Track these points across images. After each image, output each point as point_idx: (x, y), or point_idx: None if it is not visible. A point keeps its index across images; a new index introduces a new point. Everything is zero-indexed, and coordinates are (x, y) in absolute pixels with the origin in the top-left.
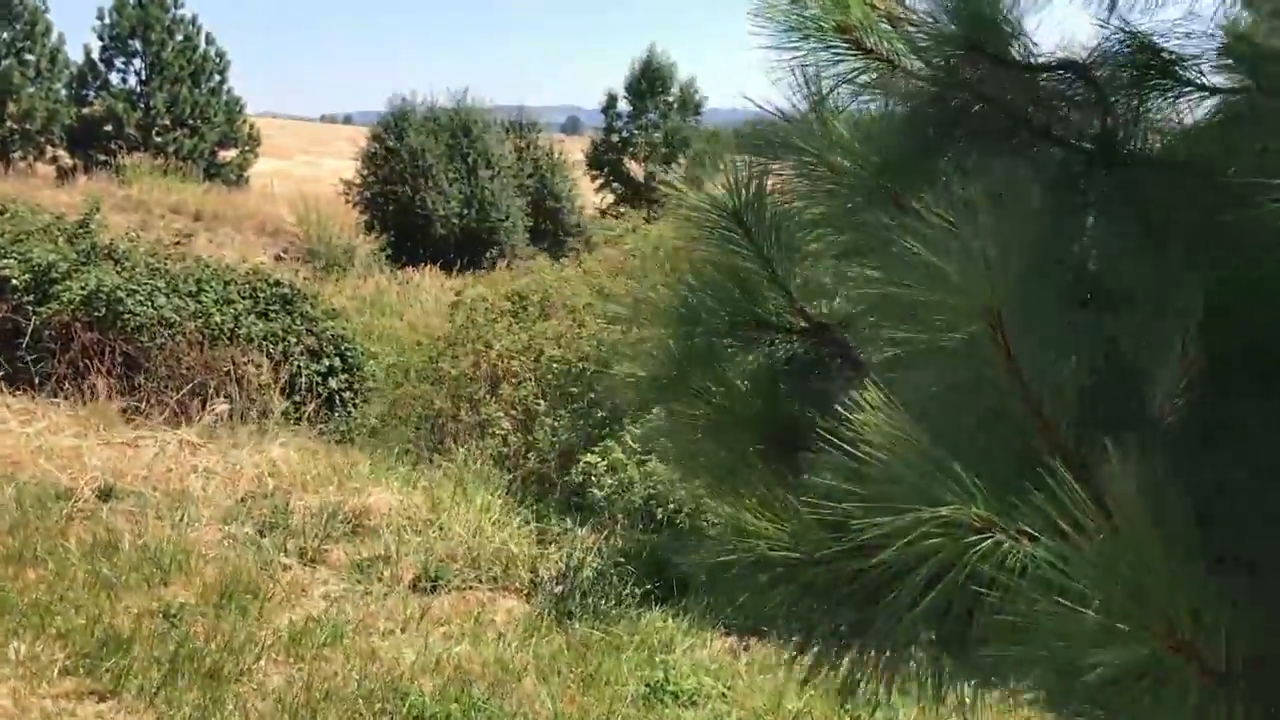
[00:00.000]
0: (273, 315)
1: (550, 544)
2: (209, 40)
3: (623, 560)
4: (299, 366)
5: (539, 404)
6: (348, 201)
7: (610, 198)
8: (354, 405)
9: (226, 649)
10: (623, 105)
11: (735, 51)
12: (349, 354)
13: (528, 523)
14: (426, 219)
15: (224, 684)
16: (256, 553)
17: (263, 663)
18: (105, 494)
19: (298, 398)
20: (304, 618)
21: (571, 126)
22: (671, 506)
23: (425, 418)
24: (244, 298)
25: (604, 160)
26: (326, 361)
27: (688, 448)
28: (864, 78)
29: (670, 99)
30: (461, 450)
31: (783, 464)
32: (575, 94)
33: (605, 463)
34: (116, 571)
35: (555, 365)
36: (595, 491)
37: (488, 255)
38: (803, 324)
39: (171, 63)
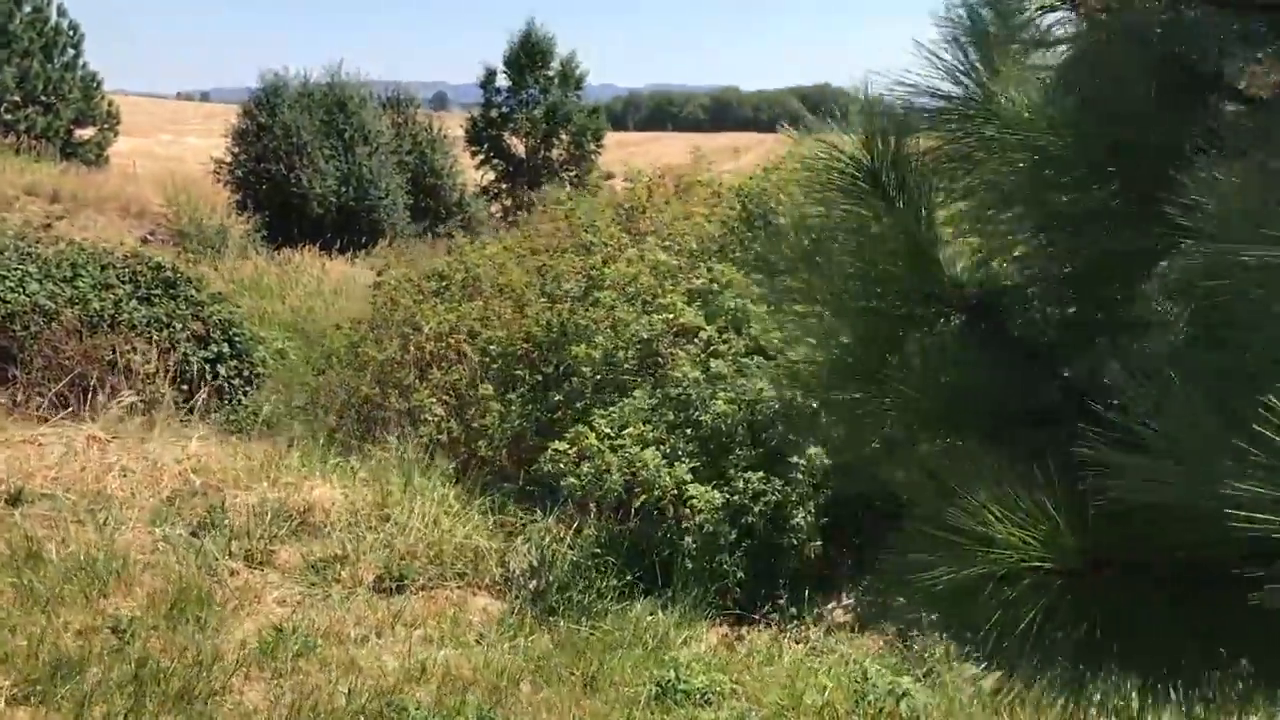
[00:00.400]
0: (156, 300)
1: (514, 536)
2: (61, 12)
3: (599, 551)
4: (186, 354)
5: (483, 388)
6: (218, 181)
7: (491, 174)
8: (244, 393)
9: (194, 665)
10: (502, 80)
11: (613, 30)
12: (237, 339)
13: (485, 514)
14: (303, 198)
15: (198, 704)
16: (198, 557)
17: (236, 679)
18: (14, 498)
19: (186, 386)
20: (264, 626)
21: (439, 102)
22: (655, 493)
23: (349, 405)
24: (124, 282)
25: (484, 136)
26: (214, 348)
27: (869, 437)
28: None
29: (550, 74)
30: (393, 440)
31: (1012, 456)
32: (442, 70)
33: (575, 449)
34: (48, 584)
35: (493, 348)
36: (573, 480)
37: (368, 235)
38: (963, 298)
39: (20, 35)
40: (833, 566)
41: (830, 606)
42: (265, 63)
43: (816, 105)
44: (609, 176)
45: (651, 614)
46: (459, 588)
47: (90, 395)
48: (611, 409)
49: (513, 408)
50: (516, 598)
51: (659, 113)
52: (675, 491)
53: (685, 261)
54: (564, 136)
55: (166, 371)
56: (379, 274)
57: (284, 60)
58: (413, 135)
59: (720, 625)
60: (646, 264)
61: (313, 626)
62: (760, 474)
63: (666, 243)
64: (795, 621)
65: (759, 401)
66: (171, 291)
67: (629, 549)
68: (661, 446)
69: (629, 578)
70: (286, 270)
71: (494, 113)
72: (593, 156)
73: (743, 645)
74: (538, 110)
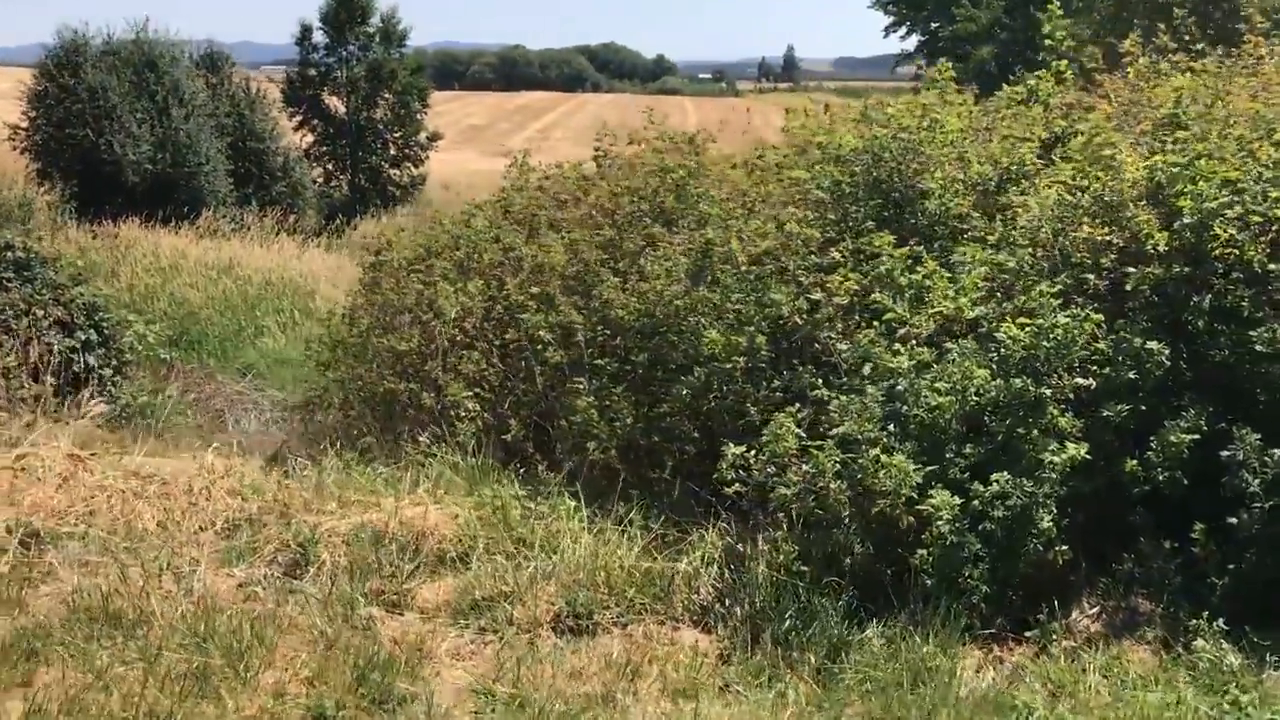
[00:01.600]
0: (8, 284)
1: (680, 555)
2: None
3: (803, 568)
4: (50, 344)
5: (572, 384)
6: (15, 149)
7: (310, 137)
8: (113, 383)
9: None
10: (319, 37)
11: None
12: (104, 324)
13: (624, 529)
14: (115, 165)
15: None
16: (322, 607)
17: None
18: (32, 537)
19: (53, 380)
20: (470, 689)
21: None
22: (886, 503)
23: (367, 404)
24: None
25: (301, 97)
26: (81, 335)
27: None
28: None
29: (371, 30)
30: (425, 441)
31: None
32: (250, 28)
33: (765, 453)
34: (174, 659)
35: (576, 337)
36: (784, 491)
37: (189, 204)
38: None
39: None
40: (1068, 571)
41: (1075, 615)
42: (52, 18)
43: (605, 64)
44: (435, 137)
45: (897, 640)
46: (655, 622)
47: None
48: (796, 406)
49: (619, 404)
50: (726, 629)
51: (445, 71)
52: (906, 498)
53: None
54: (388, 96)
55: (26, 364)
56: (377, 253)
57: (70, 14)
58: (230, 96)
59: (976, 648)
60: (783, 234)
61: (533, 690)
62: (1003, 475)
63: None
64: (1056, 636)
65: (981, 392)
66: (25, 274)
67: (851, 566)
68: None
69: (843, 599)
70: (114, 246)
71: (311, 71)
72: (418, 117)
73: (1032, 671)
74: (358, 69)
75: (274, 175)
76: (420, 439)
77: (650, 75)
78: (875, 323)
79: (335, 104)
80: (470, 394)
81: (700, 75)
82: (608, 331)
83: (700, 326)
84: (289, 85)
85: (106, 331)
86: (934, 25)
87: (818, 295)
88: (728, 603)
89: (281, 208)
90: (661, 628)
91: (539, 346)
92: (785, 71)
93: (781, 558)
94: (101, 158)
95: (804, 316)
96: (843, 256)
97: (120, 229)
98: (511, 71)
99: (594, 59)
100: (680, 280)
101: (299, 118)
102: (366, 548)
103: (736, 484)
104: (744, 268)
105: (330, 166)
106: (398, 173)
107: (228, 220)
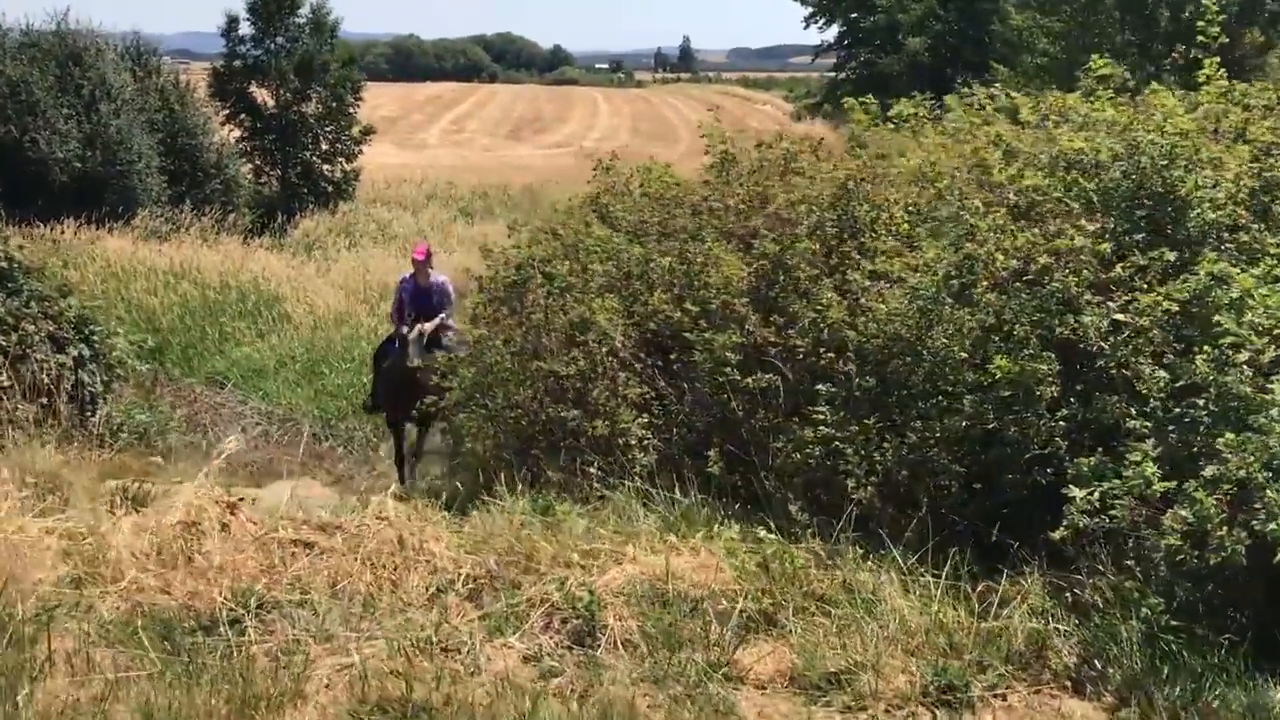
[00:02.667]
0: None
1: (992, 607)
2: None
3: (1178, 622)
4: (42, 361)
5: (817, 414)
6: None
7: (236, 132)
8: (104, 400)
9: None
10: (246, 28)
11: None
12: (95, 338)
13: (919, 578)
14: (41, 164)
15: None
16: (654, 685)
17: None
18: (242, 606)
19: (45, 400)
20: None
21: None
22: None
23: (518, 432)
24: None
25: (228, 90)
26: (73, 350)
27: None
28: None
29: (300, 21)
30: (606, 477)
31: None
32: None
33: (1136, 492)
34: None
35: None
36: (1171, 540)
37: (123, 204)
38: None
39: None
40: None
41: None
42: None
43: (502, 54)
44: (369, 131)
45: None
46: (1029, 690)
47: None
48: (1150, 441)
49: (869, 435)
50: (1107, 697)
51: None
52: None
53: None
54: (320, 89)
55: (20, 384)
56: (518, 267)
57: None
58: (159, 90)
59: None
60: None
61: None
62: None
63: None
64: None
65: None
66: (9, 285)
67: (1245, 623)
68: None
69: (1235, 659)
70: (53, 250)
71: (238, 63)
72: (350, 110)
73: None
74: (286, 61)
75: (207, 173)
76: (591, 470)
77: (547, 66)
78: (1206, 347)
79: (264, 97)
80: (644, 421)
81: (597, 65)
82: (830, 354)
83: (952, 350)
84: (215, 78)
85: (97, 346)
86: (853, 16)
87: (1122, 316)
88: (1098, 664)
89: (217, 206)
90: (1037, 696)
91: (725, 368)
92: (682, 62)
93: (1146, 611)
94: (26, 156)
95: (1107, 340)
96: (1128, 272)
97: (56, 232)
98: (407, 62)
99: (490, 49)
100: (925, 297)
101: (225, 112)
102: (650, 607)
103: (1069, 527)
104: (1012, 284)
105: (259, 162)
106: (330, 168)
107: (163, 221)
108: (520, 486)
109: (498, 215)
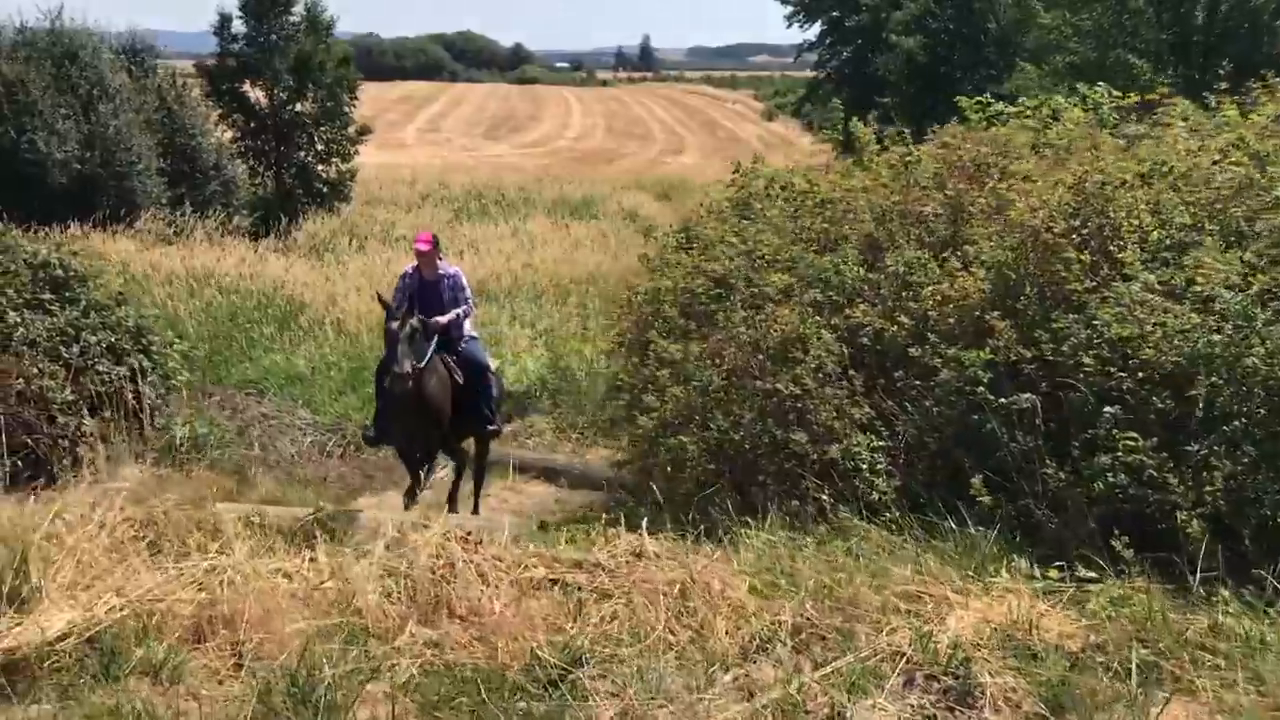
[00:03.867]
0: (51, 306)
1: None
2: None
3: None
4: (103, 373)
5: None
6: None
7: (229, 132)
8: (160, 412)
9: None
10: (239, 26)
11: None
12: (154, 349)
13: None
14: (39, 166)
15: None
16: None
17: None
18: (553, 667)
19: (108, 414)
20: None
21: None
22: None
23: (727, 457)
24: None
25: (222, 90)
26: (132, 361)
27: None
28: None
29: (295, 19)
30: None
31: None
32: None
33: None
34: None
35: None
36: None
37: (125, 206)
38: None
39: None
40: None
41: None
42: None
43: (462, 53)
44: (365, 131)
45: None
46: None
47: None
48: None
49: (1201, 464)
50: None
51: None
52: None
53: None
54: (316, 89)
55: (83, 399)
56: (718, 281)
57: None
58: (156, 89)
59: None
60: None
61: None
62: None
63: None
64: None
65: None
66: (66, 294)
67: None
68: None
69: None
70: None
71: (231, 62)
72: (347, 110)
73: None
74: (279, 61)
75: (206, 174)
76: (820, 498)
77: (508, 64)
78: None
79: (258, 96)
80: (881, 445)
81: (558, 64)
82: (1122, 373)
83: (1275, 370)
84: (208, 77)
85: (155, 356)
86: (835, 15)
87: None
88: None
89: (220, 209)
90: None
91: (976, 387)
92: (642, 61)
93: None
94: (24, 157)
95: None
96: None
97: (61, 235)
98: (366, 60)
99: (450, 48)
100: (1236, 314)
101: (218, 112)
102: (1022, 662)
103: None
104: None
105: (253, 163)
106: (325, 169)
107: (167, 223)
108: (734, 516)
109: (493, 216)
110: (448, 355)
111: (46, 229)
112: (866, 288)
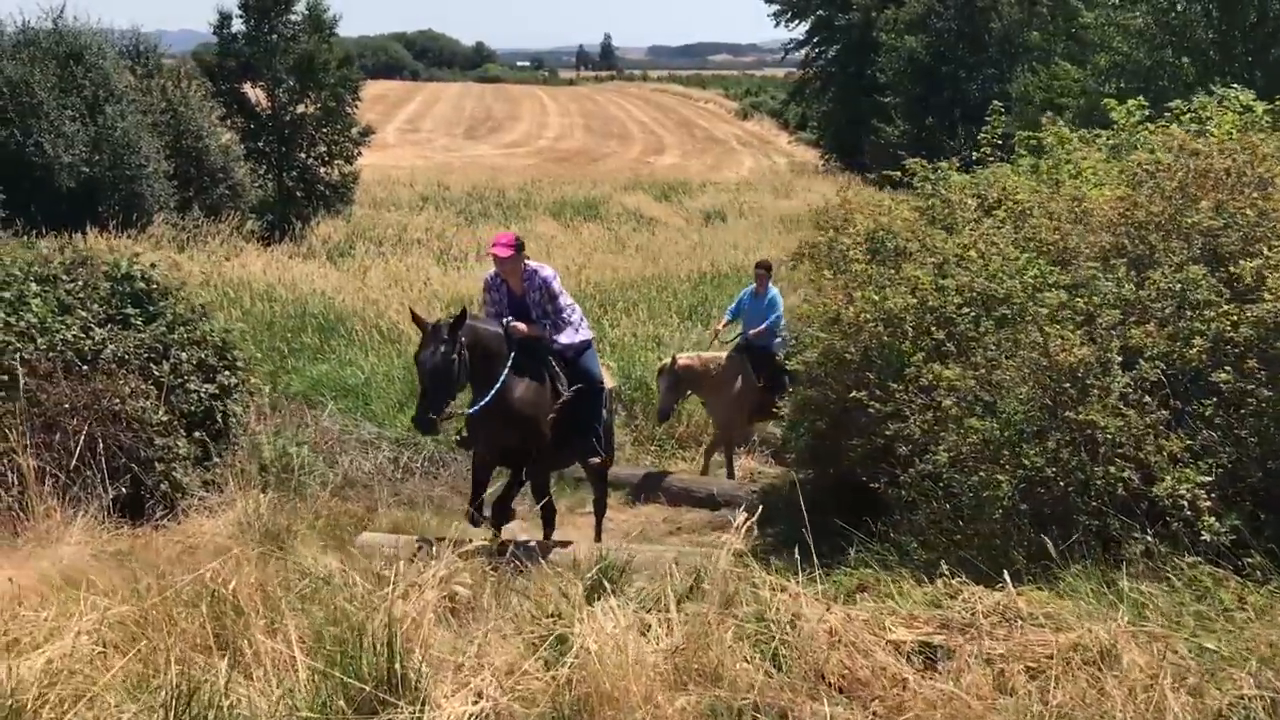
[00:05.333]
0: (135, 322)
1: None
2: None
3: None
4: (194, 391)
5: None
6: None
7: (227, 134)
8: (246, 431)
9: None
10: (239, 25)
11: None
12: (239, 364)
13: None
14: (45, 169)
15: None
16: None
17: None
18: None
19: (199, 434)
20: None
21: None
22: None
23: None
24: (75, 297)
25: (222, 90)
26: (220, 378)
27: None
28: None
29: (296, 18)
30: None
31: None
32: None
33: None
34: None
35: None
36: None
37: (134, 210)
38: None
39: None
40: None
41: None
42: None
43: (424, 51)
44: (368, 132)
45: None
46: None
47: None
48: None
49: None
50: None
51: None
52: None
53: None
54: (319, 90)
55: (178, 421)
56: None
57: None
58: (162, 90)
59: None
60: None
61: None
62: None
63: None
64: None
65: None
66: (149, 309)
67: None
68: None
69: None
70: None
71: (231, 62)
72: (349, 112)
73: None
74: (279, 61)
75: (214, 177)
76: (1143, 538)
77: (470, 63)
78: None
79: (259, 97)
80: (1207, 480)
81: (519, 63)
82: None
83: None
84: (209, 76)
85: (241, 372)
86: (821, 13)
87: None
88: None
89: (234, 213)
90: None
91: None
92: (604, 59)
93: None
94: (30, 160)
95: None
96: None
97: (79, 240)
98: None
99: (411, 46)
100: None
101: (218, 114)
102: None
103: None
104: None
105: (254, 165)
106: (328, 171)
107: (180, 228)
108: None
109: (493, 217)
110: (554, 362)
111: (55, 234)
112: (1132, 306)
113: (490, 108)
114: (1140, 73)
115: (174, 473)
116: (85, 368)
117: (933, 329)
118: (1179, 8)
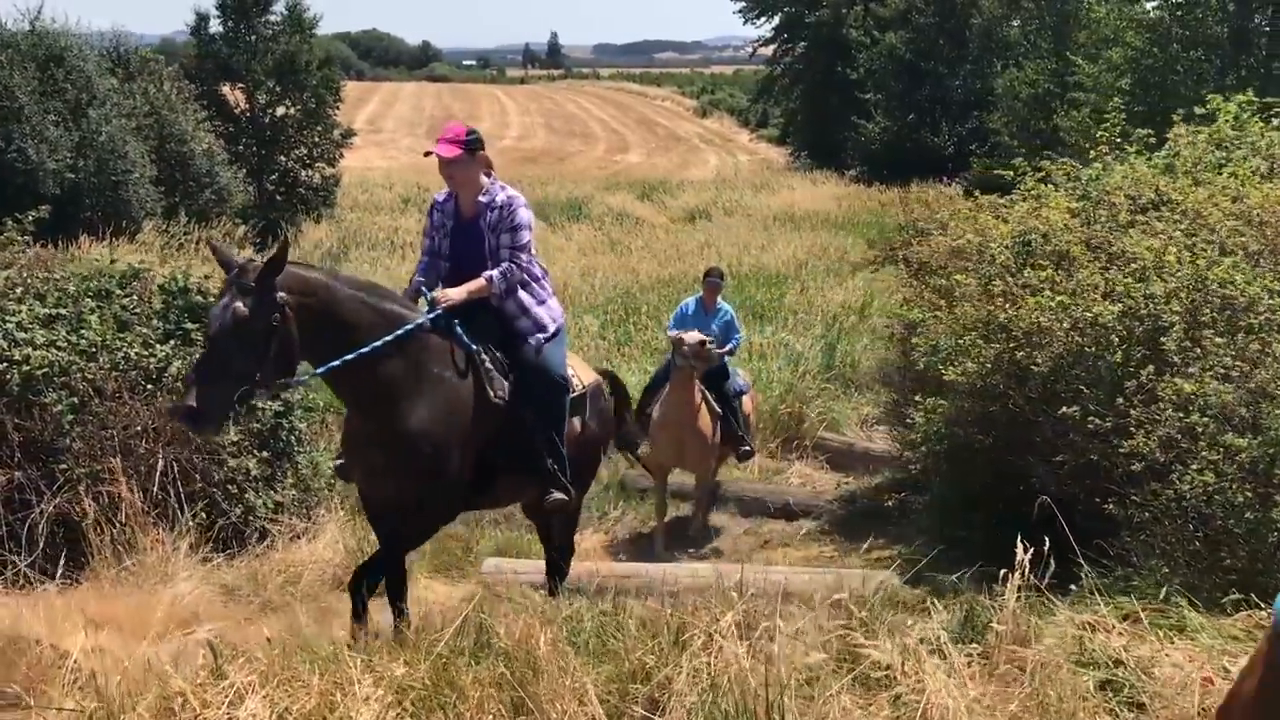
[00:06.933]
0: (195, 337)
1: None
2: None
3: None
4: (259, 408)
5: None
6: None
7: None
8: (306, 447)
9: None
10: (216, 26)
11: None
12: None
13: None
14: (30, 175)
15: None
16: None
17: None
18: None
19: (265, 454)
20: None
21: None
22: None
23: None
24: (131, 313)
25: (203, 93)
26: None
27: None
28: None
29: (275, 18)
30: None
31: None
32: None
33: None
34: None
35: None
36: None
37: (122, 217)
38: None
39: None
40: None
41: None
42: None
43: (369, 51)
44: (350, 134)
45: None
46: None
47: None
48: None
49: None
50: None
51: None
52: None
53: None
54: (300, 92)
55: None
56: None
57: None
58: (144, 93)
59: None
60: None
61: None
62: None
63: None
64: None
65: None
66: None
67: None
68: None
69: None
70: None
71: (209, 63)
72: (330, 113)
73: None
74: (256, 63)
75: (200, 181)
76: None
77: (416, 63)
78: None
79: (238, 98)
80: None
81: (465, 62)
82: None
83: None
84: (188, 80)
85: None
86: (789, 9)
87: None
88: None
89: (224, 219)
90: None
91: None
92: (550, 58)
93: None
94: (14, 167)
95: None
96: None
97: (79, 248)
98: None
99: (356, 46)
100: None
101: (200, 116)
102: None
103: None
104: None
105: (234, 168)
106: (309, 174)
107: (170, 235)
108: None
109: None
110: (498, 354)
111: (41, 243)
112: None
113: (449, 107)
114: (1156, 68)
115: (245, 495)
116: (150, 387)
117: (1138, 338)
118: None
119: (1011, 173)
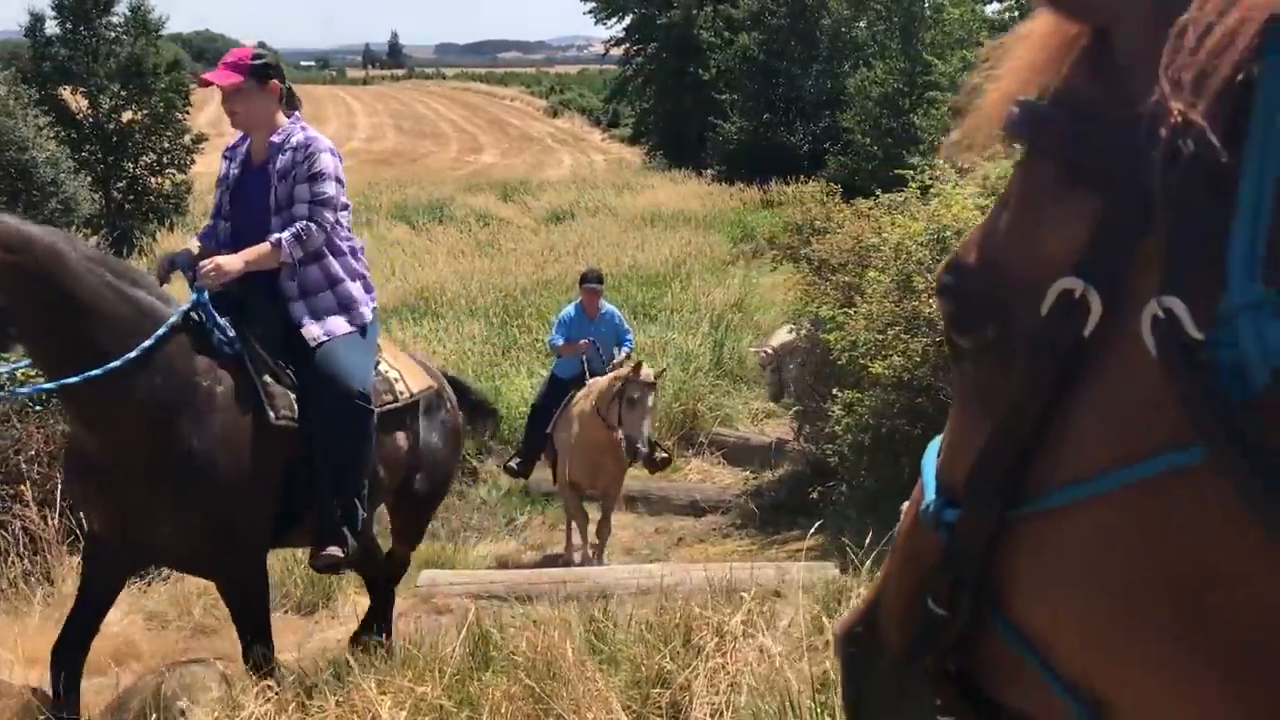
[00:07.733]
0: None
1: None
2: None
3: None
4: None
5: None
6: None
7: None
8: None
9: None
10: (53, 28)
11: None
12: None
13: None
14: None
15: None
16: None
17: None
18: None
19: None
20: None
21: None
22: None
23: None
24: None
25: (43, 97)
26: None
27: None
28: None
29: (116, 19)
30: None
31: None
32: None
33: None
34: None
35: None
36: None
37: None
38: None
39: None
40: None
41: None
42: None
43: (202, 52)
44: (202, 139)
45: None
46: None
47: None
48: None
49: None
50: None
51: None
52: None
53: None
54: (147, 96)
55: None
56: None
57: None
58: None
59: None
60: None
61: None
62: None
63: None
64: None
65: None
66: None
67: None
68: None
69: None
70: None
71: (47, 65)
72: (180, 118)
73: None
74: (106, 64)
75: (44, 191)
76: None
77: None
78: None
79: (80, 104)
80: None
81: (303, 63)
82: None
83: None
84: (25, 84)
85: None
86: (639, 11)
87: None
88: None
89: (68, 227)
90: None
91: None
92: (391, 58)
93: None
94: None
95: None
96: None
97: None
98: None
99: (189, 47)
100: None
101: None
102: None
103: None
104: None
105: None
106: (159, 180)
107: None
108: None
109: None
110: (269, 358)
111: None
112: None
113: (317, 112)
114: None
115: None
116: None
117: None
118: None
119: (910, 172)
